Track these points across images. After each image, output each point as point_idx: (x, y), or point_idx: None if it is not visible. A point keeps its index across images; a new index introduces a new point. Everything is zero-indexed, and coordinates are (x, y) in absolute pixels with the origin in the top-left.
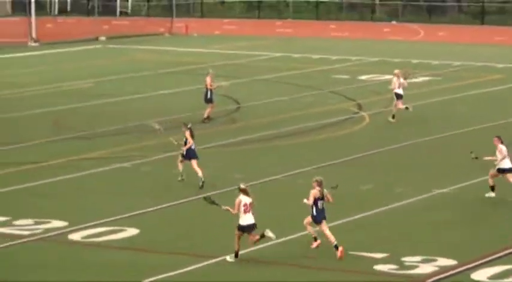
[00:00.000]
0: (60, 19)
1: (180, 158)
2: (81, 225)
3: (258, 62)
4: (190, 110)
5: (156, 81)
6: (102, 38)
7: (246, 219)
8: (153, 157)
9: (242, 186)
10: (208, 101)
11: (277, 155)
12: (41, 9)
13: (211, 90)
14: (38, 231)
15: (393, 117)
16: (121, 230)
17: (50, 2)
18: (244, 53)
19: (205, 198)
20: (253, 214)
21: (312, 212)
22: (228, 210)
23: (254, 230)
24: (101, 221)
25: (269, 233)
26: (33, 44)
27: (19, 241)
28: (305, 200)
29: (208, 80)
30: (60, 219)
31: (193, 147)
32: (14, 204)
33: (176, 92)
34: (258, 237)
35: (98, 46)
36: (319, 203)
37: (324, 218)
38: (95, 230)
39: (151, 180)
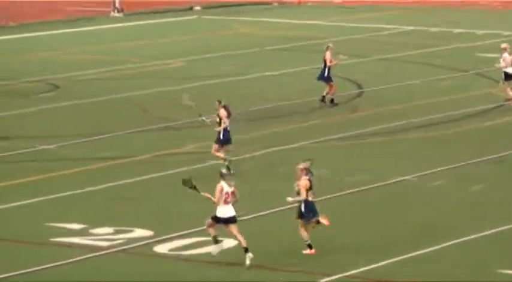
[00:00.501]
0: None
1: (215, 145)
2: (169, 235)
3: (384, 37)
4: (304, 94)
5: (262, 60)
6: (197, 8)
7: (225, 210)
8: (256, 152)
9: (224, 171)
10: (327, 79)
11: (406, 151)
12: None
13: (329, 67)
14: (118, 241)
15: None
16: (211, 242)
17: None
18: (368, 26)
19: (184, 181)
20: (233, 205)
21: (300, 207)
22: (209, 198)
23: (234, 223)
24: (192, 231)
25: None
26: (116, 15)
27: (97, 254)
28: (289, 199)
29: (327, 55)
30: (145, 227)
31: (228, 129)
32: (92, 209)
33: (286, 73)
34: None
35: (191, 17)
36: (310, 195)
37: (315, 214)
38: (184, 241)
39: (253, 181)
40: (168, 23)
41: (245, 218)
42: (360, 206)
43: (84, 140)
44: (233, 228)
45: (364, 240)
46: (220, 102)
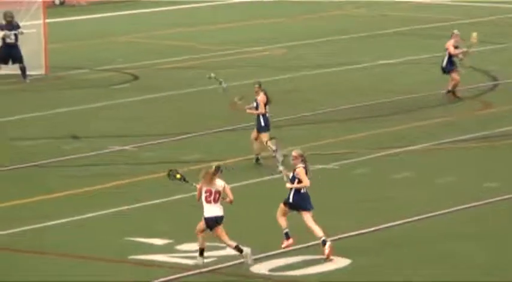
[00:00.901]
0: None
1: (264, 134)
2: (268, 252)
3: None
4: (424, 87)
5: (374, 47)
6: None
7: (209, 210)
8: (368, 155)
9: (211, 169)
10: (450, 69)
11: None
12: None
13: (451, 56)
14: (209, 260)
15: None
16: (322, 260)
17: None
18: (504, 6)
19: (169, 174)
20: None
21: (289, 195)
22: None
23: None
24: (294, 247)
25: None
26: None
27: (183, 274)
28: (288, 185)
29: (451, 42)
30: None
31: (267, 115)
32: (177, 221)
33: (403, 62)
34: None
35: None
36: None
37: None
38: (286, 259)
39: (365, 189)
40: (266, 2)
41: (353, 233)
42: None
43: (165, 140)
44: (216, 229)
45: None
46: (260, 85)
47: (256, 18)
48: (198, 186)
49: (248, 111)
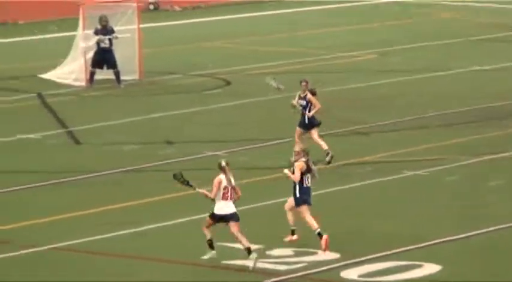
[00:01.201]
0: None
1: (314, 131)
2: (358, 258)
3: None
4: None
5: (468, 52)
6: None
7: (224, 207)
8: (461, 162)
9: (223, 163)
10: None
11: None
12: None
13: None
14: (299, 265)
15: None
16: (413, 266)
17: None
18: None
19: (175, 176)
20: (234, 201)
21: (295, 191)
22: (205, 195)
23: (235, 220)
24: (384, 254)
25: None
26: None
27: (275, 279)
28: (286, 171)
29: None
30: (330, 249)
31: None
32: (268, 226)
33: (496, 69)
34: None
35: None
36: (306, 179)
37: (308, 200)
38: (377, 265)
39: (457, 196)
40: (360, 6)
41: (444, 239)
42: None
43: (257, 145)
44: (233, 226)
45: None
46: (307, 82)
47: (351, 23)
48: (201, 191)
49: (309, 114)
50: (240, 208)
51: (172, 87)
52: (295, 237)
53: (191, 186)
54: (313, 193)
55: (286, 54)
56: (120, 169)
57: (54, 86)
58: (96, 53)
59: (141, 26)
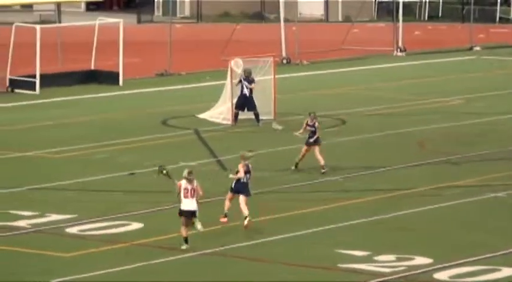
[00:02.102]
0: (430, 25)
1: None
2: (448, 262)
3: None
4: None
5: None
6: (477, 48)
7: (185, 204)
8: None
9: (185, 173)
10: None
11: None
12: (409, 13)
13: None
14: (400, 268)
15: None
16: (493, 270)
17: (420, 5)
18: None
19: (160, 170)
20: (198, 201)
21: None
22: (178, 187)
23: (193, 216)
24: (470, 259)
25: (198, 225)
26: (399, 54)
27: (381, 279)
28: (231, 176)
29: None
30: (425, 255)
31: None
32: (375, 237)
33: None
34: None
35: (471, 57)
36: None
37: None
38: (466, 268)
39: None
40: (448, 62)
41: None
42: None
43: (364, 172)
44: (194, 220)
45: None
46: (315, 114)
47: (439, 75)
48: (178, 183)
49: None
50: (350, 223)
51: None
52: (226, 219)
53: (169, 176)
54: (409, 211)
55: (390, 99)
56: (259, 190)
57: (208, 123)
58: (239, 98)
59: (276, 76)
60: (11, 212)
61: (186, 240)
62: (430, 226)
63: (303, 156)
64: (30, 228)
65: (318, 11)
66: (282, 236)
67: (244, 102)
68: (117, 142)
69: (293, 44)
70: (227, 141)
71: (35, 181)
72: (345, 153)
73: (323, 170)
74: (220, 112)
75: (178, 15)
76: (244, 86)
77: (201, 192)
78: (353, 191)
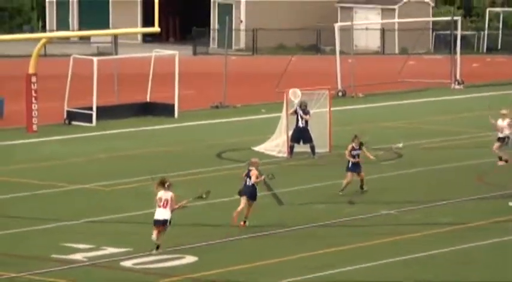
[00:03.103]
0: (489, 57)
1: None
2: None
3: None
4: None
5: None
6: None
7: (158, 213)
8: None
9: (165, 184)
10: None
11: None
12: (467, 45)
13: None
14: None
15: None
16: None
17: (478, 37)
18: None
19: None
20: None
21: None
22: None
23: (165, 226)
24: None
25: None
26: (457, 87)
27: None
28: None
29: None
30: None
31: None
32: (435, 271)
33: None
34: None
35: None
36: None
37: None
38: None
39: None
40: (506, 95)
41: None
42: None
43: (421, 206)
44: (161, 228)
45: None
46: (358, 137)
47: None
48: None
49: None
50: (408, 257)
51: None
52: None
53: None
54: (470, 245)
55: (448, 132)
56: (311, 224)
57: (263, 156)
58: (295, 131)
59: (332, 108)
60: (67, 244)
61: (157, 247)
62: (492, 259)
63: (348, 183)
64: (86, 261)
65: (374, 43)
66: (343, 269)
67: (300, 135)
68: (172, 175)
69: (348, 77)
70: (282, 174)
71: (90, 214)
72: (401, 187)
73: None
74: (276, 145)
75: (233, 47)
76: (299, 117)
77: (175, 206)
78: (410, 225)
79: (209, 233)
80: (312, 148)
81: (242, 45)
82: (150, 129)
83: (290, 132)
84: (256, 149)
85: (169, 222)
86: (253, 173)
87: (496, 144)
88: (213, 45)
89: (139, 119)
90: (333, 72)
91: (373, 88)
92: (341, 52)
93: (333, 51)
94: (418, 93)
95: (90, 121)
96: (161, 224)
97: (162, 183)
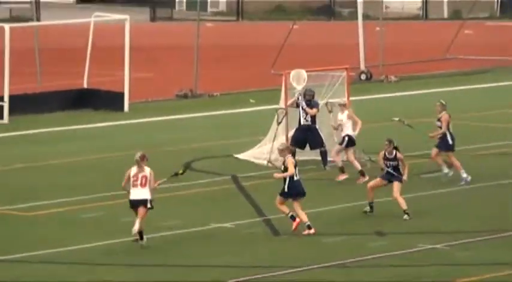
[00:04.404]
0: None
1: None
2: None
3: None
4: None
5: None
6: None
7: (134, 193)
8: None
9: (137, 157)
10: None
11: None
12: None
13: None
14: None
15: None
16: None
17: None
18: None
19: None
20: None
21: (284, 186)
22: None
23: (146, 208)
24: None
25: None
26: None
27: None
28: (276, 174)
29: None
30: None
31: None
32: None
33: None
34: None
35: None
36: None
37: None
38: None
39: None
40: None
41: None
42: None
43: (480, 238)
44: (141, 210)
45: None
46: (442, 103)
47: None
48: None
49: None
50: None
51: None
52: (297, 220)
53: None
54: None
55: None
56: (333, 262)
57: (251, 167)
58: (297, 131)
59: (351, 98)
60: None
61: (140, 235)
62: None
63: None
64: None
65: (413, 4)
66: None
67: (305, 136)
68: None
69: (376, 52)
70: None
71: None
72: (449, 210)
73: (406, 217)
74: (269, 150)
75: (209, 9)
76: (302, 112)
77: (155, 184)
78: (465, 265)
79: None
80: (323, 155)
81: (222, 6)
82: (89, 128)
83: (290, 133)
84: (241, 156)
85: (151, 203)
86: (290, 161)
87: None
88: (180, 6)
89: (72, 114)
90: (353, 45)
91: (411, 68)
92: (365, 16)
93: (354, 16)
94: (475, 77)
95: (1, 116)
96: (141, 204)
97: (137, 159)
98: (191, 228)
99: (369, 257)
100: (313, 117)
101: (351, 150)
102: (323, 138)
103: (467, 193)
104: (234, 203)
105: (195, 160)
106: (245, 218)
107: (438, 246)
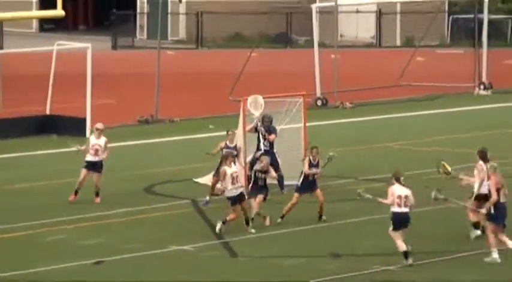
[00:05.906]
0: None
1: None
2: None
3: None
4: None
5: None
6: None
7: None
8: None
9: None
10: None
11: None
12: (498, 35)
13: None
14: None
15: None
16: None
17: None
18: None
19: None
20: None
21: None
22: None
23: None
24: None
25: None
26: (482, 92)
27: None
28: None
29: None
30: None
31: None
32: None
33: None
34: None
35: None
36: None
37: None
38: None
39: None
40: None
41: None
42: None
43: (436, 258)
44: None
45: None
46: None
47: None
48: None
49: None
50: None
51: (344, 193)
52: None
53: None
54: None
55: (466, 156)
56: None
57: (209, 190)
58: (256, 156)
59: (308, 124)
60: None
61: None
62: None
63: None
64: None
65: (367, 32)
66: None
67: None
68: (83, 217)
69: (331, 79)
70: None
71: None
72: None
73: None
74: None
75: (169, 38)
76: (261, 137)
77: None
78: None
79: None
80: (280, 179)
81: (182, 34)
82: (51, 153)
83: (248, 158)
84: (200, 180)
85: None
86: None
87: None
88: (141, 35)
89: (35, 140)
90: (309, 72)
91: (366, 95)
92: (321, 44)
93: (310, 44)
94: (429, 102)
95: None
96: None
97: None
98: (151, 251)
99: (327, 278)
100: (271, 143)
101: None
102: (279, 164)
103: (420, 214)
104: (193, 226)
105: (156, 184)
106: (204, 240)
107: (391, 267)
